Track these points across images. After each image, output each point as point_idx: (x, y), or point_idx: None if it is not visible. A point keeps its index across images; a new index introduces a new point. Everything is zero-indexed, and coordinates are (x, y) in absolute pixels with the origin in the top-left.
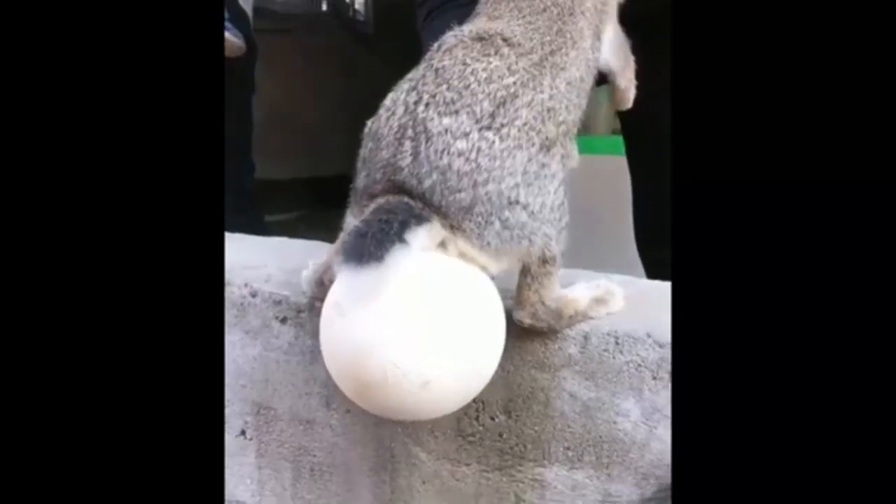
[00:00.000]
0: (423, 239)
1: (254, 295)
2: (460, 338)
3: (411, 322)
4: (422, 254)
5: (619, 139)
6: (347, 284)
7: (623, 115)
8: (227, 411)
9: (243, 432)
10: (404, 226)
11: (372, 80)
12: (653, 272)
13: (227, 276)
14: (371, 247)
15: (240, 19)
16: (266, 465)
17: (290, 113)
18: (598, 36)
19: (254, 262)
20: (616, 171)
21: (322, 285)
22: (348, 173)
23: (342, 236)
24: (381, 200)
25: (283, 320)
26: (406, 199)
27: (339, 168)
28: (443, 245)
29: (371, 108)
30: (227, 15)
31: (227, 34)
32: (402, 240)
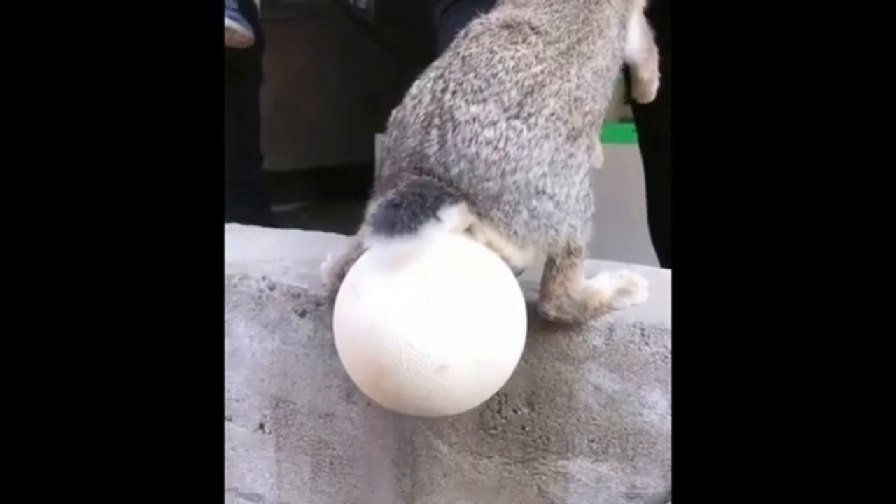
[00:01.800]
0: (455, 218)
1: (272, 288)
2: (481, 325)
3: (431, 304)
4: (450, 235)
5: (626, 127)
6: (375, 254)
7: (636, 105)
8: (244, 405)
9: (262, 426)
10: (438, 201)
11: (374, 69)
12: (666, 262)
13: (244, 269)
14: (405, 217)
15: (248, 10)
16: (285, 459)
17: (291, 103)
18: (623, 25)
19: (270, 254)
20: (621, 160)
21: (342, 278)
22: (350, 163)
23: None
24: (413, 177)
25: (303, 314)
26: (435, 180)
27: (340, 158)
28: (470, 232)
29: (372, 96)
30: (235, 6)
31: (236, 25)
32: (435, 216)
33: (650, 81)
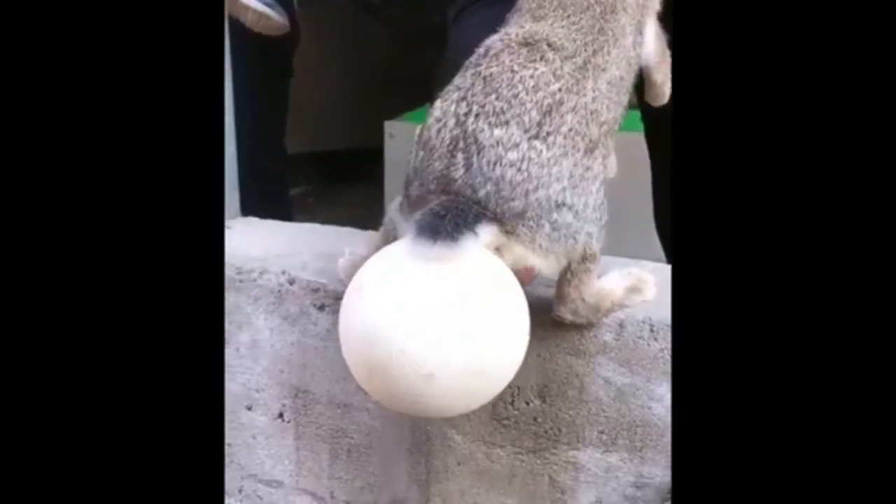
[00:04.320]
0: (489, 236)
1: (291, 282)
2: (475, 339)
3: (427, 312)
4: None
5: (633, 115)
6: (413, 254)
7: (643, 98)
8: (265, 395)
9: (281, 415)
10: (478, 219)
11: (377, 52)
12: (670, 254)
13: (264, 263)
14: (448, 227)
15: None
16: (304, 447)
17: (297, 86)
18: (639, 31)
19: (289, 249)
20: (628, 148)
21: None
22: (356, 148)
23: (387, 225)
24: (450, 197)
25: (321, 307)
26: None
27: (346, 142)
28: (498, 250)
29: (377, 81)
30: None
31: (270, 12)
32: (474, 230)
33: (663, 84)
